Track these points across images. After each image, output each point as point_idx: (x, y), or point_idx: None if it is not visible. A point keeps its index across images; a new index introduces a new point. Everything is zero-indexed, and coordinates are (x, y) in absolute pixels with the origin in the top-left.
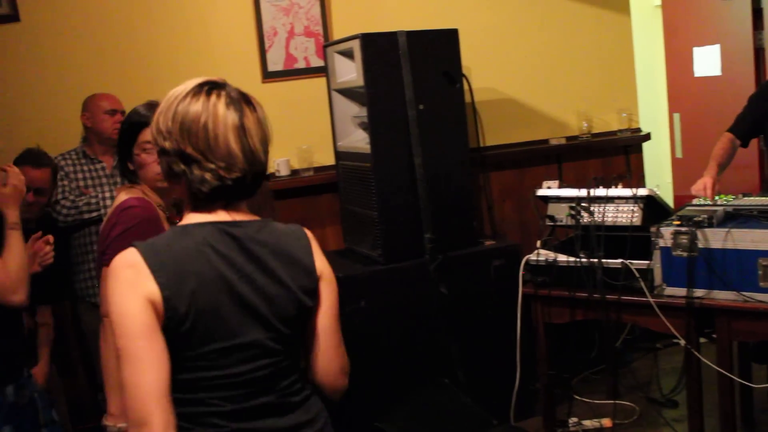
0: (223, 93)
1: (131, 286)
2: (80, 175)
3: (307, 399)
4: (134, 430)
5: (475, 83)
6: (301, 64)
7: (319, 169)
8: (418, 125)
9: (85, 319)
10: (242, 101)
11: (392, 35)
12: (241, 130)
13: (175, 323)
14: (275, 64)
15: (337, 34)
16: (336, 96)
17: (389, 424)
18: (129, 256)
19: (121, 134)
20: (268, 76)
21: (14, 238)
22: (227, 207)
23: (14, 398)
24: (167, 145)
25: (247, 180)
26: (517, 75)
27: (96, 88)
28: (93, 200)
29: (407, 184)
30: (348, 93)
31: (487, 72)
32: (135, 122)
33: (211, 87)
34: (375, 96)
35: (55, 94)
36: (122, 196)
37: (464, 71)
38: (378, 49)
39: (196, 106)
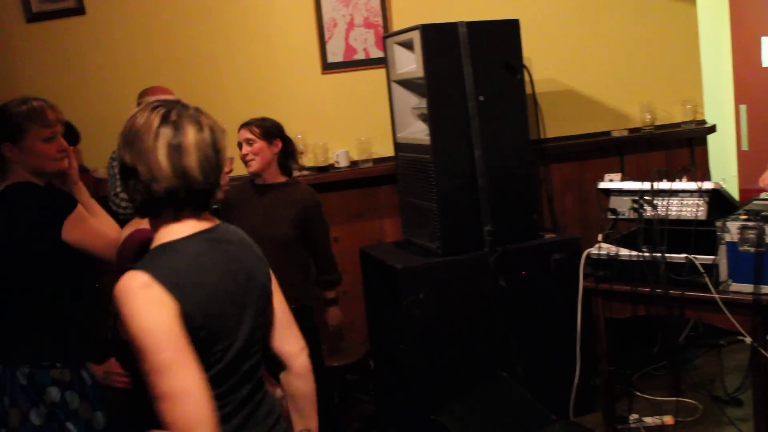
0: (162, 111)
1: (155, 302)
2: None
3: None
4: None
5: (536, 74)
6: (360, 56)
7: (378, 161)
8: (478, 117)
9: None
10: (185, 122)
11: (453, 26)
12: (175, 147)
13: (193, 333)
14: (335, 55)
15: (396, 25)
16: (395, 87)
17: (447, 417)
18: (139, 277)
19: None
20: (328, 67)
21: (98, 206)
22: (195, 215)
23: (27, 381)
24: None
25: (179, 195)
26: (579, 65)
27: (155, 80)
28: None
29: (467, 175)
30: (408, 84)
31: (548, 63)
32: None
33: (160, 105)
34: (435, 87)
35: (116, 85)
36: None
37: (525, 62)
38: (438, 40)
39: (139, 121)
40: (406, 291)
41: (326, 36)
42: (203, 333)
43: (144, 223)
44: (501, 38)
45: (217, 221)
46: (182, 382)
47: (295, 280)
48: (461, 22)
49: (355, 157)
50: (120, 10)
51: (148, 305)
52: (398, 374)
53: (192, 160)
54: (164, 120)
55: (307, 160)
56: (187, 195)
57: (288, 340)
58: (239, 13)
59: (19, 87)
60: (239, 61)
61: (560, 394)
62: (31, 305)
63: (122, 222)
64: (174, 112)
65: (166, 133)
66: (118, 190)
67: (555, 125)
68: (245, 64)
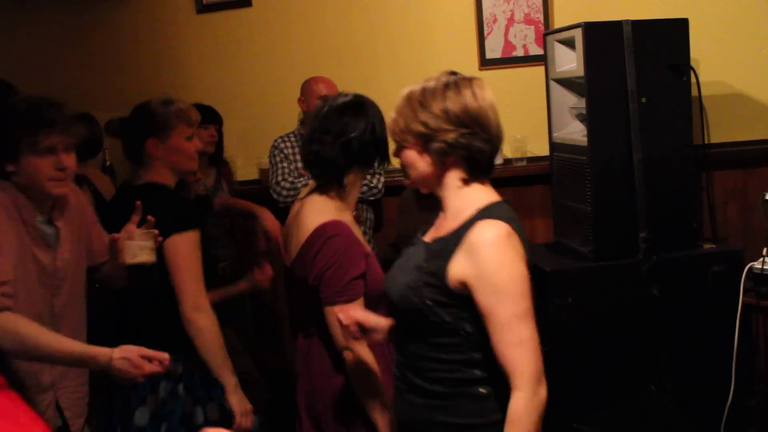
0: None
1: (518, 252)
2: (299, 157)
3: None
4: (535, 385)
5: (703, 76)
6: (519, 52)
7: (532, 160)
8: (639, 119)
9: None
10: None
11: (617, 24)
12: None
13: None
14: (493, 51)
15: (558, 22)
16: (554, 86)
17: (589, 426)
18: (503, 228)
19: None
20: (486, 63)
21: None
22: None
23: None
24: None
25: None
26: (750, 68)
27: (318, 71)
28: (311, 181)
29: (624, 179)
30: (566, 83)
31: (716, 64)
32: None
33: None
34: (595, 87)
35: (280, 76)
36: (314, 217)
37: (692, 63)
38: (600, 38)
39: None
40: (554, 294)
41: (485, 31)
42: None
43: (306, 211)
44: (667, 38)
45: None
46: (534, 330)
47: None
48: (626, 21)
49: (509, 155)
50: (284, 2)
51: (515, 254)
52: None
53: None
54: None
55: None
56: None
57: None
58: (400, 5)
59: (186, 76)
60: (398, 53)
61: (711, 413)
62: (155, 298)
63: (282, 210)
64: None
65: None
66: (279, 178)
67: (720, 130)
68: (404, 57)
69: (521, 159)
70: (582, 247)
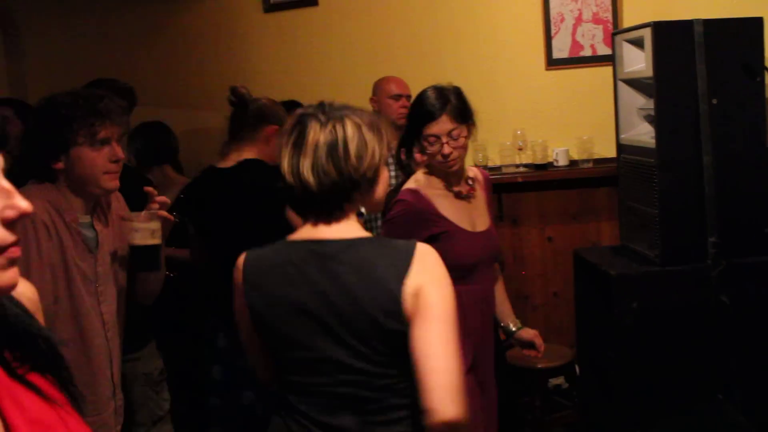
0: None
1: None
2: None
3: (395, 422)
4: None
5: None
6: (587, 52)
7: (598, 161)
8: (709, 121)
9: None
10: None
11: (687, 24)
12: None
13: None
14: (560, 51)
15: (627, 21)
16: (622, 86)
17: None
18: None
19: (408, 121)
20: (552, 63)
21: None
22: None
23: (225, 343)
24: None
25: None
26: None
27: (384, 71)
28: (392, 180)
29: (693, 182)
30: (635, 83)
31: None
32: (421, 113)
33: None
34: (664, 87)
35: (347, 76)
36: (408, 183)
37: (766, 64)
38: (670, 38)
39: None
40: (619, 298)
41: (552, 31)
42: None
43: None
44: (740, 38)
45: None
46: None
47: None
48: (697, 20)
49: (575, 157)
50: (350, 1)
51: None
52: (604, 383)
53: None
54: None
55: (525, 157)
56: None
57: (420, 385)
58: (466, 5)
59: (252, 74)
60: (463, 52)
61: None
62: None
63: None
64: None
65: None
66: None
67: None
68: (469, 55)
69: (587, 161)
70: (649, 251)
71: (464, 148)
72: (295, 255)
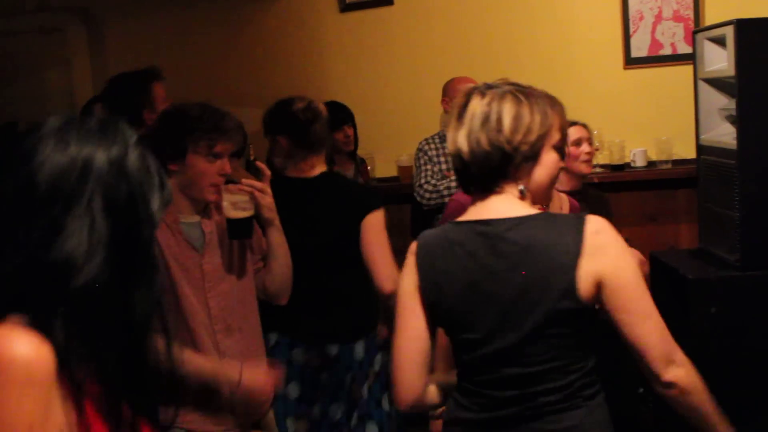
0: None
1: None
2: (442, 159)
3: (565, 410)
4: None
5: None
6: (666, 51)
7: (677, 162)
8: None
9: None
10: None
11: None
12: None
13: None
14: (639, 50)
15: (709, 19)
16: (702, 86)
17: None
18: None
19: None
20: (631, 62)
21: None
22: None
23: (304, 358)
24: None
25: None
26: None
27: (459, 71)
28: (453, 184)
29: None
30: (716, 83)
31: None
32: None
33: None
34: (747, 87)
35: (422, 76)
36: None
37: None
38: (755, 36)
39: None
40: (696, 303)
41: (631, 29)
42: None
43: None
44: None
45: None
46: None
47: None
48: None
49: (653, 158)
50: (425, 1)
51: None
52: None
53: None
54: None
55: (602, 158)
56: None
57: None
58: (543, 3)
59: (328, 73)
60: (539, 50)
61: None
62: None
63: (425, 213)
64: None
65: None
66: (423, 181)
67: None
68: (546, 53)
69: (666, 161)
70: (728, 255)
71: None
72: (463, 236)
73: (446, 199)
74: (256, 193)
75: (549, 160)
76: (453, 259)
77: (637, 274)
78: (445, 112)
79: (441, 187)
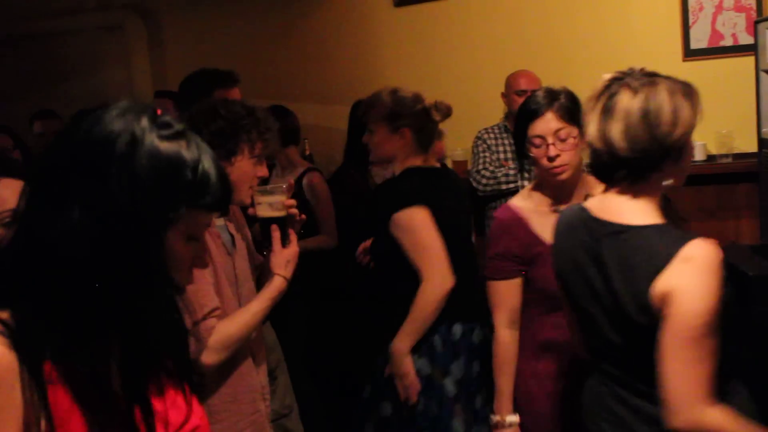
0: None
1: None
2: (501, 148)
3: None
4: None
5: None
6: (727, 42)
7: (738, 156)
8: None
9: None
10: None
11: None
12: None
13: None
14: (699, 41)
15: None
16: (764, 77)
17: None
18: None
19: (516, 120)
20: (690, 54)
21: None
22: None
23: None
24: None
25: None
26: None
27: (515, 65)
28: (511, 172)
29: None
30: None
31: None
32: (526, 111)
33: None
34: None
35: (477, 70)
36: (514, 197)
37: None
38: None
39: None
40: (757, 300)
41: (690, 20)
42: None
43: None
44: None
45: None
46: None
47: None
48: None
49: (713, 151)
50: None
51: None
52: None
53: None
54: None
55: None
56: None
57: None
58: None
59: (383, 69)
60: (593, 43)
61: None
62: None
63: (481, 199)
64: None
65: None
66: (480, 167)
67: None
68: (600, 46)
69: (726, 155)
70: None
71: (575, 153)
72: (578, 223)
73: (503, 187)
74: (287, 200)
75: (690, 150)
76: (571, 243)
77: (699, 312)
78: (507, 106)
79: (499, 174)
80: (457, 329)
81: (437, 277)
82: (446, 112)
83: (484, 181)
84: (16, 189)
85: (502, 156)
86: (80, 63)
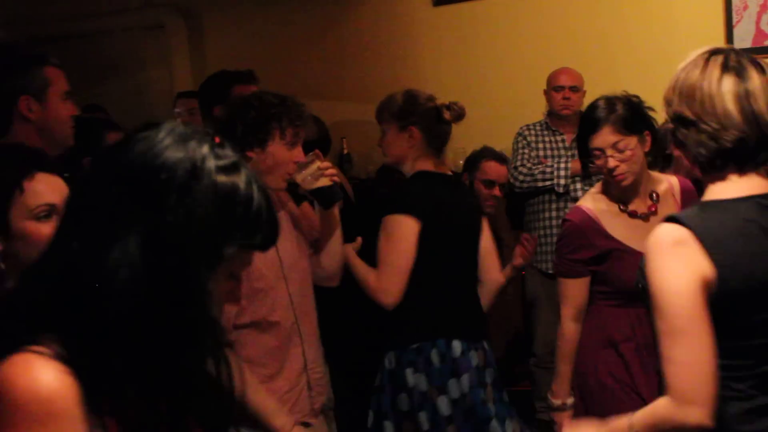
0: (720, 58)
1: (685, 262)
2: (540, 146)
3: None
4: (680, 407)
5: None
6: None
7: None
8: None
9: (529, 284)
10: (747, 66)
11: None
12: (742, 93)
13: (726, 298)
14: (743, 40)
15: None
16: None
17: None
18: (676, 232)
19: (578, 128)
20: None
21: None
22: (742, 175)
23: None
24: (669, 112)
25: (749, 144)
26: None
27: (554, 64)
28: (548, 170)
29: None
30: None
31: None
32: (586, 123)
33: (712, 53)
34: None
35: (516, 69)
36: (582, 199)
37: None
38: None
39: (694, 73)
40: None
41: (734, 19)
42: (741, 300)
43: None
44: None
45: None
46: (690, 351)
47: None
48: None
49: None
50: None
51: (677, 265)
52: None
53: (762, 105)
54: (725, 67)
55: None
56: (757, 144)
57: None
58: None
59: (422, 68)
60: (635, 42)
61: None
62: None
63: (518, 195)
64: (732, 58)
65: (730, 79)
66: (518, 164)
67: None
68: (642, 45)
69: None
70: None
71: (635, 161)
72: (747, 212)
73: (539, 184)
74: (321, 163)
75: None
76: (751, 238)
77: None
78: (548, 103)
79: (536, 171)
80: (457, 346)
81: (381, 289)
82: (459, 112)
83: (521, 177)
84: (50, 184)
85: (541, 153)
86: (122, 62)
